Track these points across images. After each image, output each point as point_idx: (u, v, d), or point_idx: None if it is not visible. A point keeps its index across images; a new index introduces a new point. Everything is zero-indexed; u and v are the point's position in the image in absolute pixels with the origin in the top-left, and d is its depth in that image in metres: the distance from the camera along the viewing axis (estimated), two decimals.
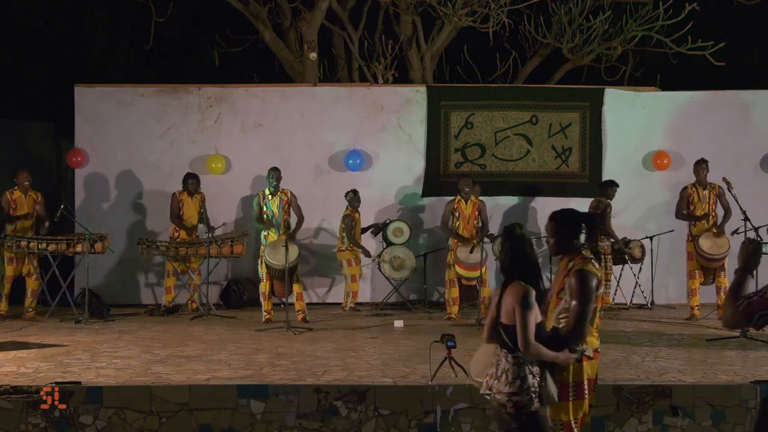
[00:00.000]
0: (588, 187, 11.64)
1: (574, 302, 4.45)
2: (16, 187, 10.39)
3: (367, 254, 10.95)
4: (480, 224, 10.23)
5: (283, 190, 9.99)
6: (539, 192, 11.83)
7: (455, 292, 10.22)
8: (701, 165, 10.14)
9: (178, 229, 10.73)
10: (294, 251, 9.59)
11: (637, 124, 11.83)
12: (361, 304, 11.30)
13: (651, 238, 11.00)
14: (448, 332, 6.73)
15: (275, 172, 9.98)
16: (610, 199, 10.70)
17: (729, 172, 9.97)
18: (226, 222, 11.25)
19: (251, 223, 10.49)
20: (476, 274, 9.82)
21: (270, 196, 9.93)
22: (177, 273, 10.71)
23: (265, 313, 9.83)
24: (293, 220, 10.05)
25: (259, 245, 10.57)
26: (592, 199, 10.92)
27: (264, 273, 9.86)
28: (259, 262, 9.99)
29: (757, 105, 11.93)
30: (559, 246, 4.69)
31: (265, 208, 9.90)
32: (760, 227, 9.01)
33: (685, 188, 10.19)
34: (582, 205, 11.14)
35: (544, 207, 11.83)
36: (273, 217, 9.84)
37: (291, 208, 10.01)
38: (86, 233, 9.93)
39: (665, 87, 12.52)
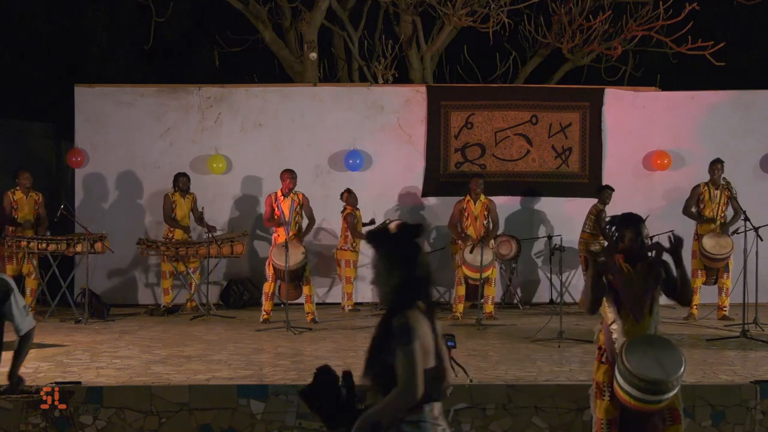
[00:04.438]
0: (588, 187, 11.64)
1: None
2: (17, 188, 10.43)
3: (372, 223, 11.00)
4: (490, 224, 10.23)
5: (296, 192, 10.01)
6: (539, 192, 11.82)
7: (461, 291, 10.21)
8: (716, 165, 10.06)
9: (172, 229, 10.72)
10: (299, 253, 9.60)
11: (637, 124, 11.83)
12: (361, 304, 11.30)
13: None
14: (448, 332, 6.73)
15: (290, 174, 10.01)
16: (606, 203, 10.74)
17: (729, 172, 9.98)
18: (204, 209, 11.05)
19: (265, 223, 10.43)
20: (484, 274, 9.82)
21: (282, 197, 9.94)
22: (174, 274, 10.70)
23: (263, 313, 9.83)
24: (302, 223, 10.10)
25: (253, 245, 10.61)
26: (593, 202, 10.98)
27: (270, 273, 9.87)
28: (267, 262, 10.01)
29: (757, 105, 11.92)
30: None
31: (276, 209, 9.92)
32: (760, 227, 9.00)
33: (698, 186, 10.14)
34: (582, 205, 11.19)
35: (544, 207, 11.84)
36: (284, 218, 9.85)
37: (303, 211, 10.04)
38: (86, 233, 9.94)
39: (665, 87, 12.52)
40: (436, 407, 3.40)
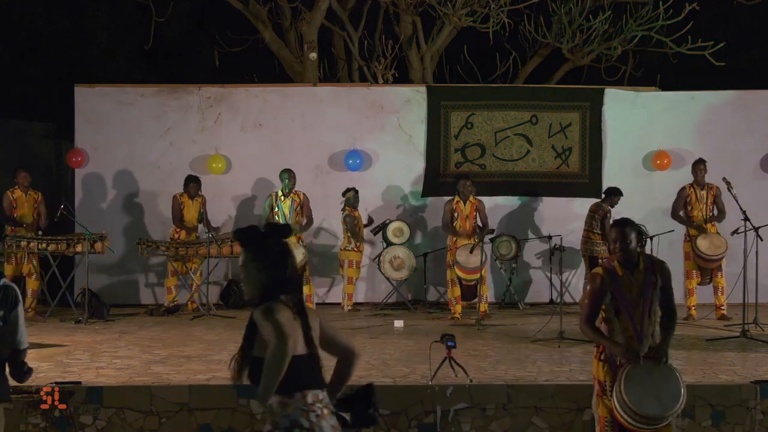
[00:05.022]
0: (588, 187, 11.64)
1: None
2: (16, 187, 10.45)
3: (370, 221, 11.04)
4: (479, 224, 10.23)
5: (296, 191, 10.00)
6: (539, 192, 11.82)
7: (457, 291, 10.22)
8: (699, 165, 10.11)
9: (178, 230, 10.75)
10: (300, 253, 9.60)
11: (637, 124, 11.83)
12: (361, 304, 11.31)
13: (651, 238, 10.97)
14: (448, 332, 6.74)
15: (289, 174, 10.00)
16: (612, 207, 10.71)
17: (729, 172, 9.96)
18: (223, 224, 11.24)
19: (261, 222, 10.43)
20: (476, 276, 9.81)
21: (282, 197, 9.94)
22: (178, 273, 10.71)
23: None
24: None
25: None
26: (593, 202, 10.96)
27: None
28: None
29: (757, 105, 11.92)
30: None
31: (276, 209, 9.91)
32: (760, 227, 9.00)
33: (683, 188, 10.18)
34: (582, 205, 11.19)
35: (544, 207, 11.85)
36: (284, 219, 9.84)
37: (302, 210, 10.03)
38: (86, 233, 9.94)
39: (665, 87, 12.52)
40: (311, 395, 3.50)
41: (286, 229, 3.65)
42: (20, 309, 4.50)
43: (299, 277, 3.65)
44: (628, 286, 4.85)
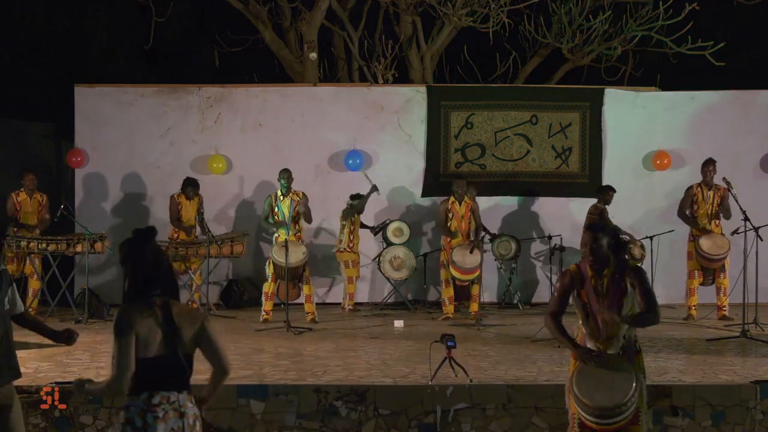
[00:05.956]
0: (588, 187, 11.63)
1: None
2: (21, 189, 10.45)
3: (373, 229, 10.97)
4: (474, 225, 10.22)
5: (294, 191, 9.98)
6: (539, 192, 11.83)
7: (450, 291, 10.24)
8: (708, 166, 10.05)
9: (177, 230, 10.73)
10: (300, 252, 9.60)
11: (637, 124, 11.84)
12: (361, 304, 11.31)
13: (651, 238, 10.99)
14: (448, 332, 6.74)
15: (286, 174, 9.95)
16: (607, 204, 10.73)
17: (729, 172, 9.96)
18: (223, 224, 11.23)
19: (262, 222, 10.40)
20: (471, 277, 9.80)
21: (282, 197, 9.92)
22: (177, 273, 10.69)
23: (264, 314, 9.83)
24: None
25: (259, 244, 10.51)
26: (593, 202, 10.97)
27: (270, 273, 9.87)
28: (268, 261, 10.00)
29: (757, 105, 11.93)
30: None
31: (276, 209, 9.90)
32: (760, 227, 9.00)
33: (691, 187, 10.15)
34: (582, 205, 11.18)
35: (544, 207, 11.85)
36: (284, 218, 9.84)
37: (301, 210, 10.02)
38: (86, 233, 9.94)
39: (665, 87, 12.52)
40: (159, 396, 3.65)
41: (147, 233, 3.87)
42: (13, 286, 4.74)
43: (169, 277, 3.83)
44: (596, 290, 4.87)
